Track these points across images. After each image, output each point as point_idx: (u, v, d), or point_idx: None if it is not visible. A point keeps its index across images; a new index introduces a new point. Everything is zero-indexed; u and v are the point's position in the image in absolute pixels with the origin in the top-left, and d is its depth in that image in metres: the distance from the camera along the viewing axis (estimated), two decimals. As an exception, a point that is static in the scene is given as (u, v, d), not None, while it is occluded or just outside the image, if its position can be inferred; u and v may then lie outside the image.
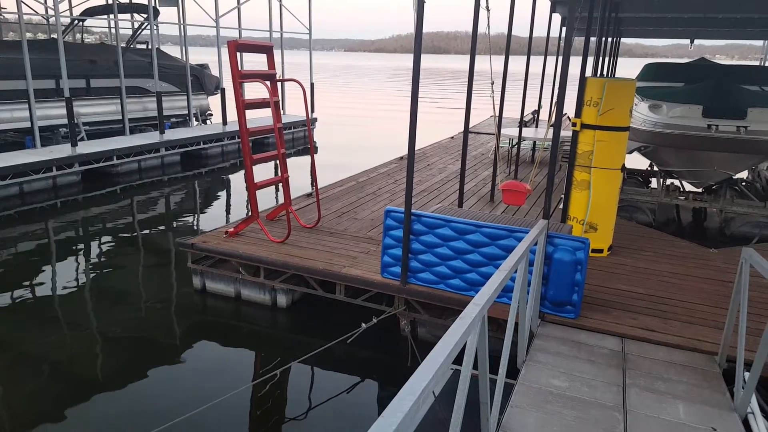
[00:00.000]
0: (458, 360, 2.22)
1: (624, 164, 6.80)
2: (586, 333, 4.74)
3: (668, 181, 10.45)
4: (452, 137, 16.26)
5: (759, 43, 16.00)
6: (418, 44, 4.77)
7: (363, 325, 5.17)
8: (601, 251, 6.75)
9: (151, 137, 14.62)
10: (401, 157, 12.75)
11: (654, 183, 11.04)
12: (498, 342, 3.97)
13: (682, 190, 9.94)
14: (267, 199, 11.17)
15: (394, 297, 5.69)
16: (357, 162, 14.04)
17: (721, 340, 4.36)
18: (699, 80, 9.68)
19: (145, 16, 16.24)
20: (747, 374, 3.64)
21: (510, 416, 3.47)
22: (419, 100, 5.03)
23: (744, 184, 11.48)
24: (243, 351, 5.65)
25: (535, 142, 13.71)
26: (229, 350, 5.63)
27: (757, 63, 12.62)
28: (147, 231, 9.39)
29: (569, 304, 4.97)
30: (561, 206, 7.41)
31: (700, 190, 9.99)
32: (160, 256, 8.24)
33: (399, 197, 9.19)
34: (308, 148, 16.23)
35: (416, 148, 13.99)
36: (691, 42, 15.99)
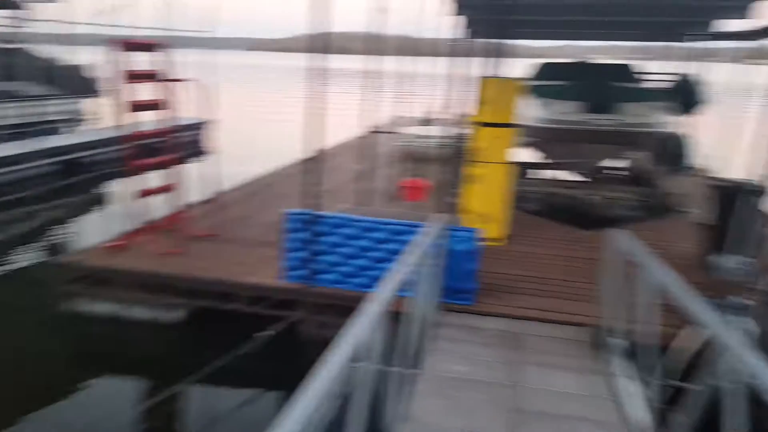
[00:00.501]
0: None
1: (515, 159, 7.30)
2: (482, 318, 5.08)
3: (558, 173, 11.27)
4: (358, 137, 16.40)
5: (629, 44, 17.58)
6: (322, 43, 4.78)
7: (259, 334, 5.06)
8: (498, 240, 7.20)
9: (23, 146, 13.08)
10: (305, 159, 12.68)
11: (543, 174, 11.87)
12: (403, 335, 4.16)
13: (568, 180, 10.78)
14: (156, 207, 10.60)
15: (298, 301, 5.55)
16: (259, 164, 13.81)
17: (597, 313, 4.85)
18: (582, 78, 10.53)
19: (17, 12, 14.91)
20: (619, 342, 4.11)
21: (415, 405, 3.66)
22: (325, 100, 4.98)
23: (620, 172, 12.65)
24: (130, 378, 5.30)
25: (437, 140, 14.24)
26: (114, 379, 5.29)
27: (627, 62, 13.88)
28: (17, 249, 8.58)
29: (465, 292, 5.29)
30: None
31: (581, 178, 10.89)
32: (32, 278, 7.47)
33: (302, 199, 9.18)
34: (204, 151, 15.68)
35: (321, 148, 13.94)
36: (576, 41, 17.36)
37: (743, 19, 9.99)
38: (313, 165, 5.19)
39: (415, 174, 11.24)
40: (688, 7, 10.06)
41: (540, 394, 3.83)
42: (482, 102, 6.86)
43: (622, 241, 4.28)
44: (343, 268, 5.68)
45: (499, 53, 7.46)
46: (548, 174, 11.34)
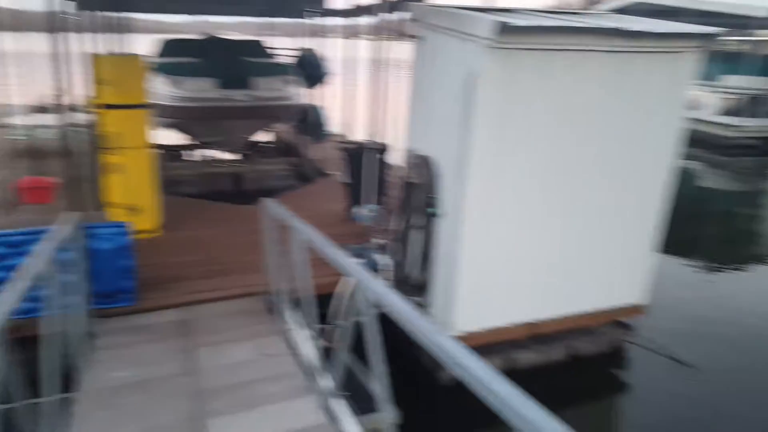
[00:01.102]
0: None
1: (155, 141, 6.83)
2: (147, 315, 4.68)
3: (205, 152, 11.07)
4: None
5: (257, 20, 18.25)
6: None
7: None
8: (152, 231, 6.70)
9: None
10: None
11: (194, 156, 11.56)
12: (46, 360, 3.49)
13: (219, 158, 10.73)
14: None
15: None
16: None
17: (266, 280, 5.00)
18: (212, 55, 10.43)
19: None
20: (286, 300, 4.32)
21: (75, 429, 3.15)
22: None
23: (268, 146, 13.23)
24: None
25: (57, 130, 12.33)
26: None
27: (255, 38, 14.41)
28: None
29: (122, 293, 4.78)
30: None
31: (235, 156, 11.01)
32: None
33: None
34: None
35: None
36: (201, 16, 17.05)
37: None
38: None
39: (37, 172, 9.56)
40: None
41: (220, 370, 3.76)
42: (100, 82, 6.15)
43: (273, 208, 4.47)
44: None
45: (116, 28, 6.80)
46: (198, 155, 11.10)
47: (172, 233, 6.78)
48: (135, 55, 6.47)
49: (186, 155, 11.79)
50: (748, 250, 9.96)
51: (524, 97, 3.94)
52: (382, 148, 6.85)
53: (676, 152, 4.85)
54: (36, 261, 3.15)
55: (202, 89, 8.71)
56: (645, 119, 4.51)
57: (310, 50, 11.75)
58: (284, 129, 13.20)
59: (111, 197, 6.48)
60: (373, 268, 5.26)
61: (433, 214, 4.34)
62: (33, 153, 9.77)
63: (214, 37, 12.61)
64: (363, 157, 6.98)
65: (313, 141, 10.80)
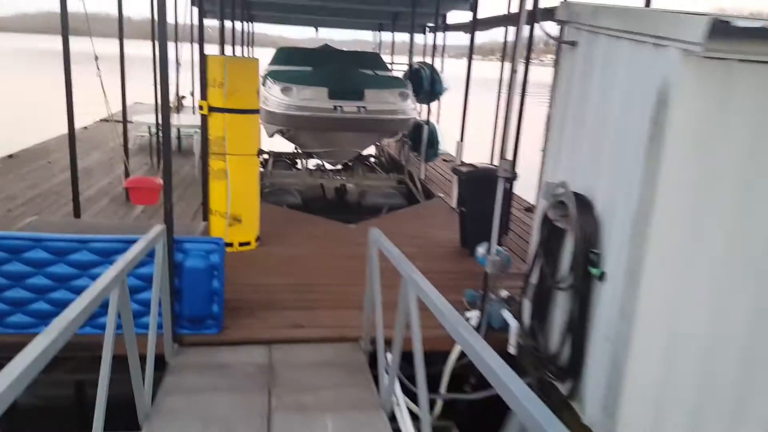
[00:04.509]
0: None
1: (261, 148, 6.41)
2: (230, 349, 4.10)
3: (311, 162, 10.71)
4: (85, 127, 13.71)
5: (370, 37, 18.17)
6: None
7: None
8: (248, 243, 6.25)
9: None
10: (10, 156, 10.00)
11: (299, 165, 11.27)
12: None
13: (323, 169, 10.30)
14: None
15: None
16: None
17: (362, 322, 4.27)
18: (324, 65, 10.09)
19: None
20: (389, 355, 3.53)
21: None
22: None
23: (373, 160, 12.70)
24: None
25: (179, 130, 12.60)
26: None
27: (370, 51, 14.08)
28: None
29: (209, 318, 4.25)
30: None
31: (338, 167, 10.55)
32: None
33: (2, 211, 6.94)
34: None
35: (36, 141, 11.12)
36: (316, 30, 17.06)
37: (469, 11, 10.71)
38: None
39: (150, 171, 9.62)
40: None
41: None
42: (215, 84, 5.81)
43: (381, 242, 3.72)
44: (36, 306, 4.14)
45: (238, 39, 6.53)
46: (302, 164, 10.76)
47: (267, 248, 6.29)
48: (249, 59, 6.08)
49: (290, 163, 11.55)
50: None
51: (738, 124, 2.88)
52: (510, 176, 5.93)
53: None
54: (115, 274, 2.65)
55: (314, 98, 8.28)
56: None
57: (427, 64, 11.11)
58: (392, 143, 12.62)
59: (215, 204, 6.12)
60: (493, 325, 4.38)
61: (594, 275, 3.31)
62: (151, 151, 9.89)
63: (329, 47, 12.34)
64: (483, 184, 6.11)
65: (423, 159, 10.07)
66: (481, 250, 4.77)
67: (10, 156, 9.86)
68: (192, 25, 12.19)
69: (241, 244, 6.15)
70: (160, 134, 7.47)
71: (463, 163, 7.39)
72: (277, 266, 5.76)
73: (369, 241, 3.97)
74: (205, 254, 4.27)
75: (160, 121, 8.32)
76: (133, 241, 4.12)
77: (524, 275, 4.29)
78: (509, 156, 4.42)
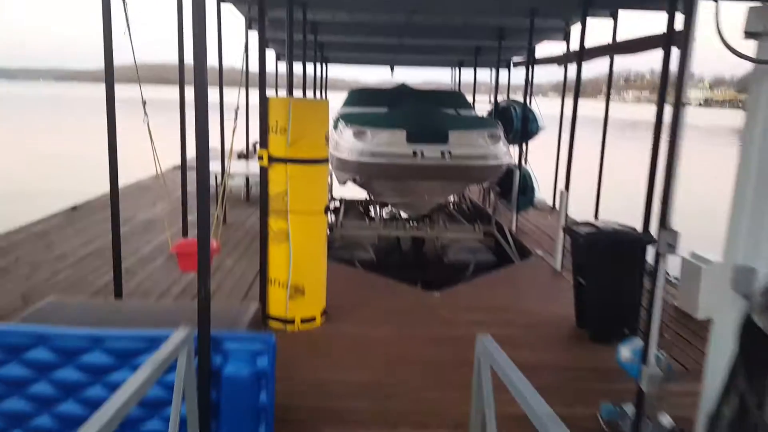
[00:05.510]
0: None
1: (327, 205, 5.40)
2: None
3: (385, 211, 9.66)
4: (157, 175, 13.44)
5: (447, 77, 17.40)
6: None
7: None
8: (313, 319, 5.18)
9: None
10: (74, 208, 9.63)
11: (372, 213, 10.27)
12: None
13: (399, 219, 9.21)
14: None
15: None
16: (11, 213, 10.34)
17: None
18: (401, 105, 9.12)
19: None
20: None
21: None
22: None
23: (453, 207, 11.46)
24: None
25: (248, 178, 12.01)
26: None
27: (452, 89, 13.08)
28: None
29: (251, 446, 3.14)
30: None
31: (415, 217, 9.41)
32: None
33: (47, 274, 6.27)
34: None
35: (102, 191, 10.66)
36: (392, 69, 16.36)
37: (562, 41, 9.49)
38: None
39: (225, 221, 8.85)
40: (512, 29, 9.28)
41: None
42: (276, 130, 4.90)
43: (492, 355, 2.49)
44: (39, 421, 3.21)
45: (320, 83, 5.66)
46: (376, 212, 9.72)
47: (335, 326, 5.19)
48: (318, 100, 5.13)
49: (363, 211, 10.55)
50: None
51: None
52: (644, 240, 4.55)
53: None
54: (134, 385, 1.63)
55: (391, 143, 7.25)
56: None
57: (516, 102, 9.90)
58: (479, 191, 11.36)
59: (274, 272, 5.14)
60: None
61: None
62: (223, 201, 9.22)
63: (406, 86, 11.38)
64: (611, 250, 4.77)
65: (515, 208, 8.73)
66: (626, 352, 3.41)
67: (74, 208, 9.46)
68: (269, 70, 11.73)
69: (303, 321, 5.09)
70: (227, 182, 6.66)
71: (583, 222, 5.95)
72: (347, 354, 4.61)
73: (476, 352, 2.75)
74: (250, 357, 3.20)
75: (227, 169, 7.56)
76: (161, 339, 3.11)
77: (705, 400, 2.90)
78: (673, 223, 3.08)
